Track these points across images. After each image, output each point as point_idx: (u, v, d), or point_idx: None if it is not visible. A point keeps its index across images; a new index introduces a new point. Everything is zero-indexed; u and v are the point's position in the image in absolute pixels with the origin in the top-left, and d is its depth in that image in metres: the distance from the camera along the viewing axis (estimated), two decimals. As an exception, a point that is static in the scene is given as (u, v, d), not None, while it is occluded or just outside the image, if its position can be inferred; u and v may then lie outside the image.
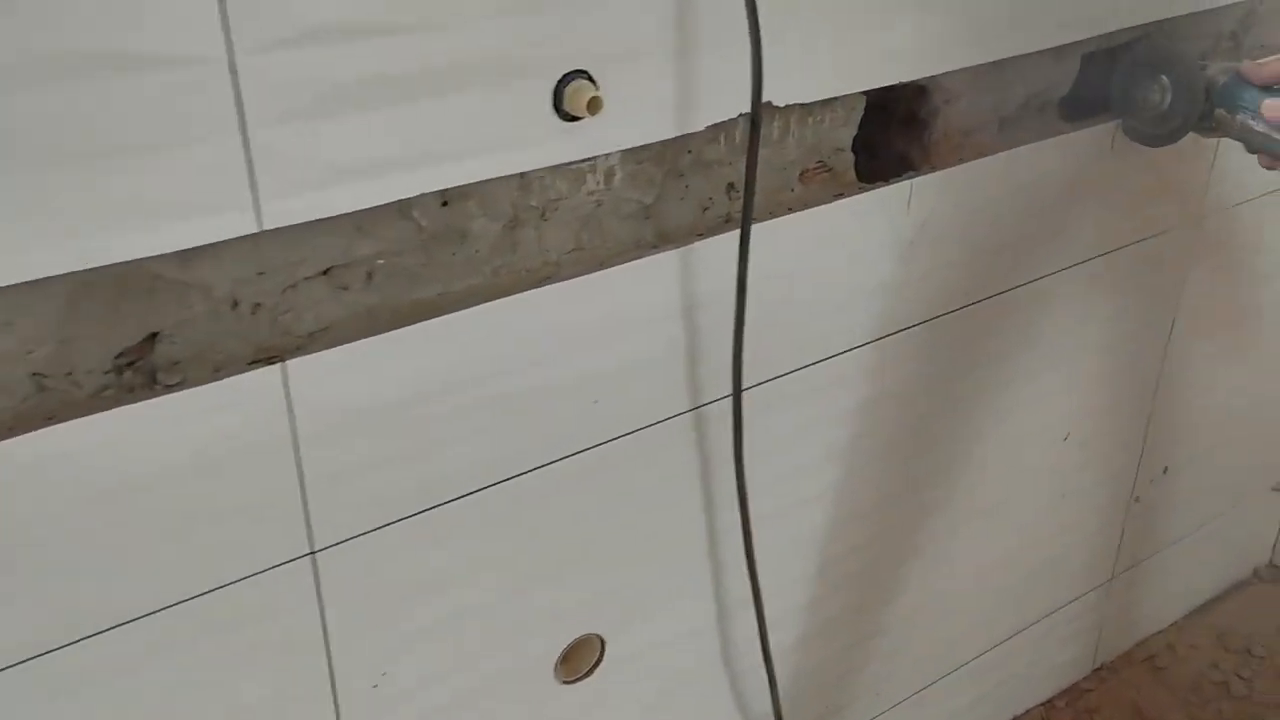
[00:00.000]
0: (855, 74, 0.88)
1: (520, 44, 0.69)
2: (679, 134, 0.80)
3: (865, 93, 0.91)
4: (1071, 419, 1.26)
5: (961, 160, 1.00)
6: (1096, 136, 1.08)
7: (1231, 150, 1.13)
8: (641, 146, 0.79)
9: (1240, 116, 0.97)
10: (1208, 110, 0.99)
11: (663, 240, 0.84)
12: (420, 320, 0.73)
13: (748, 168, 0.79)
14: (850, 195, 0.94)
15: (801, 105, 0.87)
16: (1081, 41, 1.02)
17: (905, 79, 0.92)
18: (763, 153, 0.87)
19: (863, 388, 1.02)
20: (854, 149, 0.94)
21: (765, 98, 0.83)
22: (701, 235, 0.86)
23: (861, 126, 0.93)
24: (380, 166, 0.67)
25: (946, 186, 0.99)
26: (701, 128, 0.81)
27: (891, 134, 0.98)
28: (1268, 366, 1.49)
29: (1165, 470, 1.45)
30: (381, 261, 0.71)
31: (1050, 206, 1.09)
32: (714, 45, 0.77)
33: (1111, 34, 1.04)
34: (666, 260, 0.84)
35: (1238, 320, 1.39)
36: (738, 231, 0.82)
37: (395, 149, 0.67)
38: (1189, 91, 0.99)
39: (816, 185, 0.93)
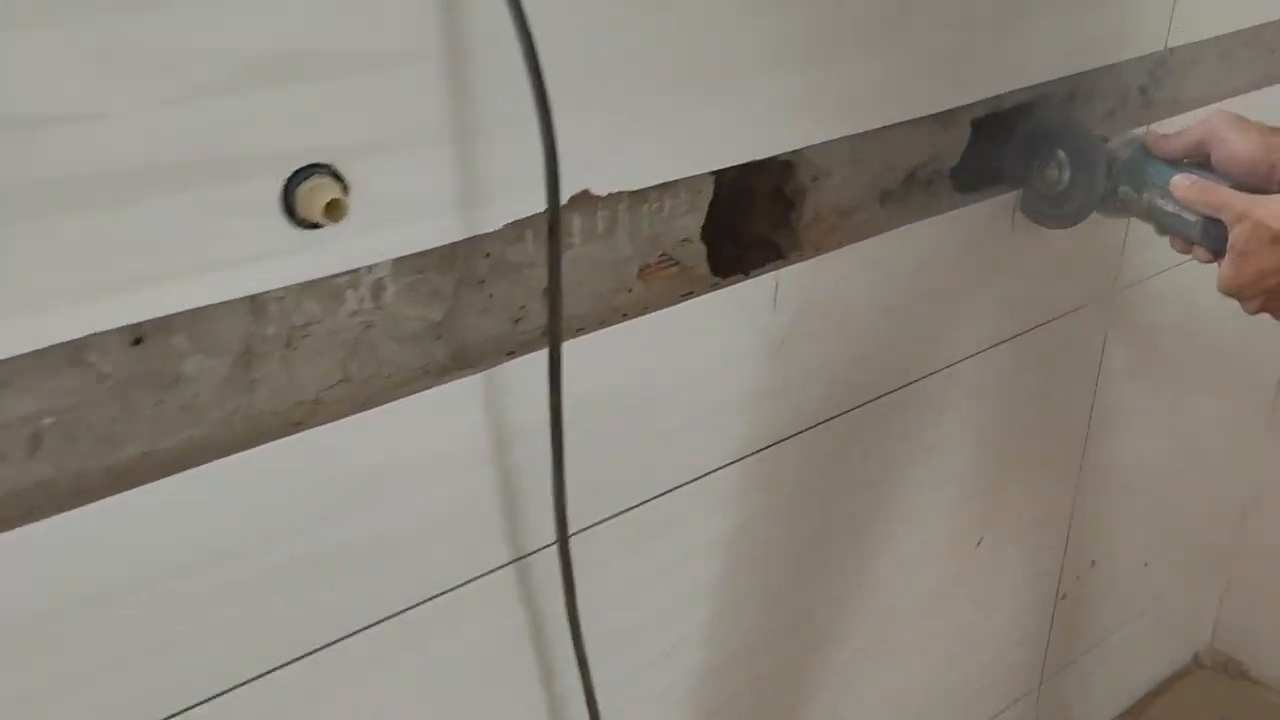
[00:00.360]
0: (698, 151, 0.74)
1: (235, 133, 0.53)
2: (470, 235, 0.64)
3: (715, 173, 0.76)
4: (984, 522, 1.11)
5: (839, 244, 0.85)
6: (995, 210, 0.95)
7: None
8: (420, 253, 0.63)
9: (1147, 195, 0.84)
10: (1110, 189, 0.86)
11: (461, 363, 0.68)
12: (120, 490, 0.56)
13: (550, 271, 0.63)
14: (703, 293, 0.78)
15: (630, 192, 0.72)
16: (969, 105, 0.89)
17: (763, 155, 0.77)
18: (588, 249, 0.72)
19: (732, 513, 0.87)
20: (705, 239, 0.79)
21: (582, 185, 0.68)
22: (513, 353, 0.70)
23: (715, 211, 0.78)
24: (35, 299, 0.50)
25: (822, 275, 0.84)
26: (499, 225, 0.65)
27: (753, 218, 0.83)
28: (1195, 445, 1.36)
29: (1093, 564, 1.31)
30: (50, 421, 0.54)
31: (946, 290, 0.95)
32: (505, 125, 0.62)
33: (1002, 96, 0.91)
34: (466, 387, 0.67)
35: (1161, 399, 1.26)
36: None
37: (54, 275, 0.50)
38: (1088, 168, 0.86)
39: (661, 283, 0.78)
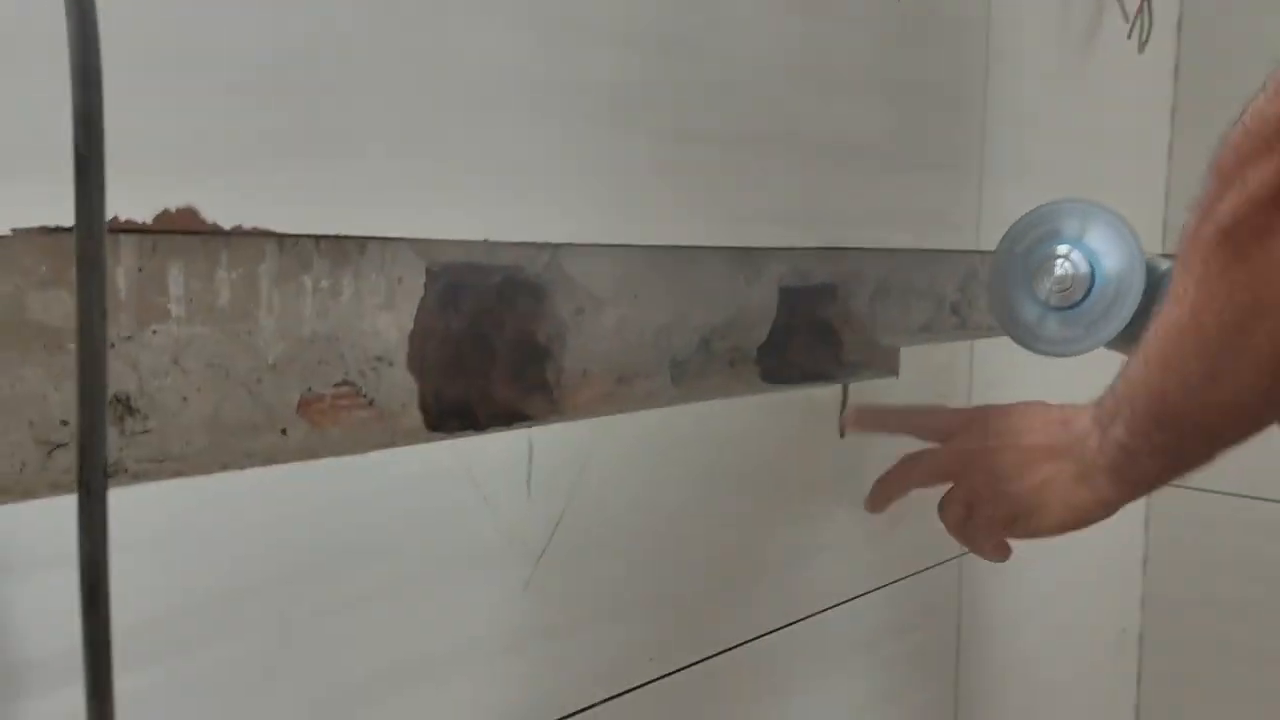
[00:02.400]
0: (396, 198, 0.47)
1: None
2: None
3: (424, 248, 0.49)
4: None
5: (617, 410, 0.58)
6: (819, 408, 0.71)
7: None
8: None
9: None
10: (1142, 310, 0.59)
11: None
12: None
13: (83, 360, 0.32)
14: (406, 448, 0.48)
15: (283, 237, 0.43)
16: (775, 255, 0.68)
17: (501, 238, 0.52)
18: (197, 332, 0.42)
19: None
20: (414, 366, 0.50)
21: (183, 198, 0.39)
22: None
23: (429, 322, 0.50)
24: None
25: (604, 445, 0.56)
26: None
27: (493, 365, 0.56)
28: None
29: None
30: None
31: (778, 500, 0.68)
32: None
33: (809, 258, 0.71)
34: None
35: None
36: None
37: None
38: (1121, 267, 0.60)
39: (339, 430, 0.47)
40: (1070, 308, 0.60)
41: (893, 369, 0.75)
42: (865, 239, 0.74)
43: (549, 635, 0.54)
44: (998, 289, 0.64)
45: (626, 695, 0.59)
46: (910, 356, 0.75)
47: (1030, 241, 0.63)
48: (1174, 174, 1.14)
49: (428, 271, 0.49)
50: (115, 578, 0.29)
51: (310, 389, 0.46)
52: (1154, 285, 0.59)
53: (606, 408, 0.58)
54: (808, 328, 0.73)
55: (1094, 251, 0.60)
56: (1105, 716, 1.14)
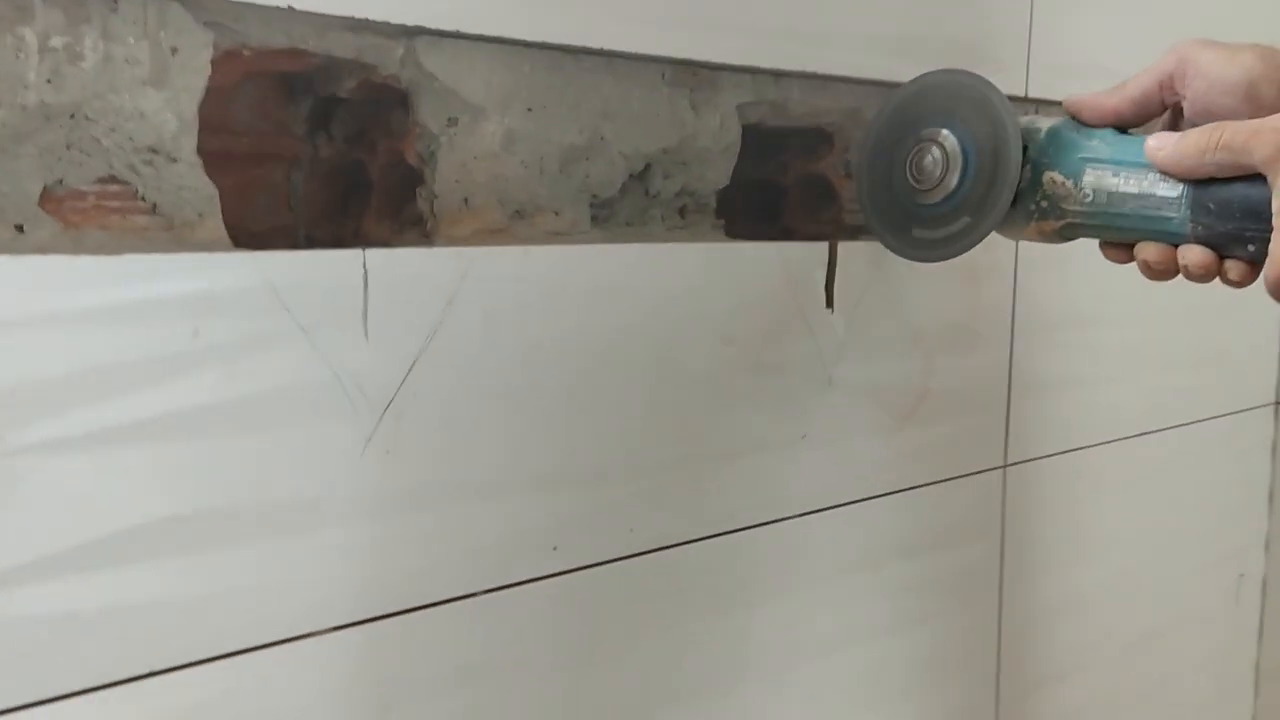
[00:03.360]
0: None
1: None
2: None
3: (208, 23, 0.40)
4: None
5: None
6: (799, 270, 0.59)
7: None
8: None
9: (1092, 177, 0.49)
10: (1030, 181, 0.50)
11: None
12: None
13: None
14: (190, 256, 0.40)
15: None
16: (734, 74, 0.56)
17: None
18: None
19: None
20: (206, 156, 0.41)
21: None
22: None
23: (221, 105, 0.41)
24: None
25: (475, 276, 0.46)
26: None
27: (338, 183, 0.46)
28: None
29: None
30: None
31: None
32: None
33: (786, 83, 0.59)
34: None
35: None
36: None
37: None
38: (996, 149, 0.51)
39: (99, 234, 0.39)
40: (947, 198, 0.52)
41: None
42: (868, 68, 0.61)
43: (407, 506, 0.45)
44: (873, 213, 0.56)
45: (518, 588, 0.49)
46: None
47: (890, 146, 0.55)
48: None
49: (215, 45, 0.40)
50: None
51: (62, 182, 0.38)
52: (1041, 150, 0.50)
53: (495, 244, 0.48)
54: (799, 184, 0.61)
55: (963, 135, 0.52)
56: (1217, 675, 0.98)
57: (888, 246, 0.55)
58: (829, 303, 0.61)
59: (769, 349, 0.58)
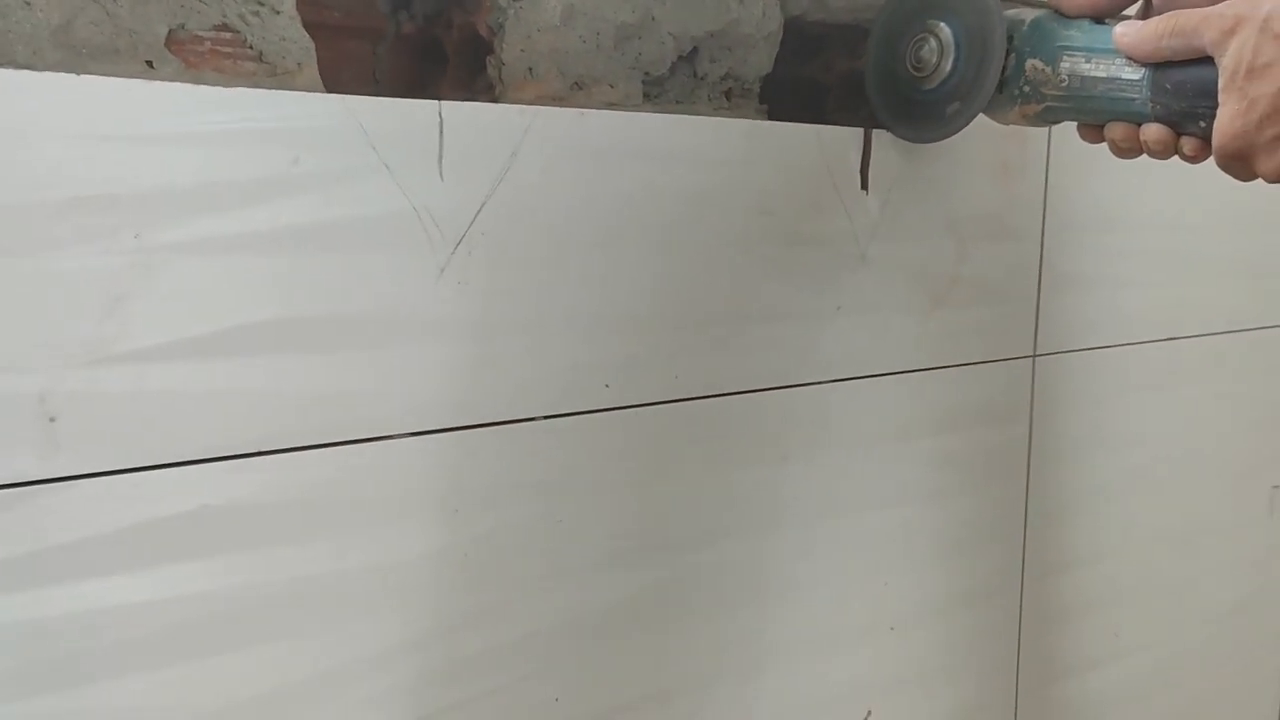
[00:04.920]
0: None
1: None
2: None
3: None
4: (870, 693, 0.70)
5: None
6: (835, 151, 0.64)
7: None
8: None
9: (1067, 64, 0.55)
10: (1014, 68, 0.57)
11: None
12: None
13: None
14: (286, 95, 0.45)
15: None
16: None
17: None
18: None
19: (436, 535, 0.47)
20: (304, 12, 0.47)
21: None
22: None
23: None
24: None
25: (549, 138, 0.52)
26: None
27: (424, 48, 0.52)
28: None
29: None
30: None
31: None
32: None
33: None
34: None
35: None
36: None
37: None
38: (982, 40, 0.57)
39: (214, 76, 0.45)
40: (942, 84, 0.60)
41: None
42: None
43: (476, 333, 0.51)
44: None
45: (574, 417, 0.55)
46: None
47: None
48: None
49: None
50: None
51: (184, 26, 0.44)
52: (1025, 40, 0.56)
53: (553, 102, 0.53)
54: (840, 81, 0.65)
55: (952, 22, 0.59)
56: (1249, 582, 1.00)
57: (891, 130, 0.64)
58: (864, 184, 0.65)
59: (805, 222, 0.63)
